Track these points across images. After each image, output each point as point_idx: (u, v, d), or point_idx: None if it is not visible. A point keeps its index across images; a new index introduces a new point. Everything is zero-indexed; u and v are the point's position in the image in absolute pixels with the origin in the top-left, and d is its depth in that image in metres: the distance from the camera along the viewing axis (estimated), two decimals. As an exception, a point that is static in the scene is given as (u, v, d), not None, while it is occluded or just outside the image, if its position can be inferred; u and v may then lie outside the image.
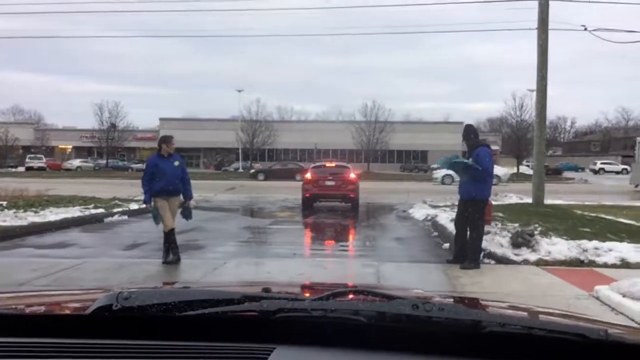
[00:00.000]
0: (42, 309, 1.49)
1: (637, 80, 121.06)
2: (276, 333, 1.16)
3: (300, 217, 16.26)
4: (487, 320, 1.14)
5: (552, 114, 52.48)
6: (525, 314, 1.57)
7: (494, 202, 20.05)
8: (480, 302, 1.80)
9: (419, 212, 15.28)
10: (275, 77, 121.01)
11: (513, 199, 20.83)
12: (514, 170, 54.99)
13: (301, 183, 18.79)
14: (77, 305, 1.48)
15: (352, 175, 18.34)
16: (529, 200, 19.10)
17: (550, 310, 1.68)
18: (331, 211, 17.64)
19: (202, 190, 27.55)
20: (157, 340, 1.15)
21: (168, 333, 1.17)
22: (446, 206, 16.15)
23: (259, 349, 1.12)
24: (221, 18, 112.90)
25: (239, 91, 62.85)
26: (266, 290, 1.43)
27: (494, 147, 61.76)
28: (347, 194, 18.00)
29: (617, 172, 63.48)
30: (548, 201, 17.83)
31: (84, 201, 15.99)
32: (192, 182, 8.72)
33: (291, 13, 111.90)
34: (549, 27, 18.44)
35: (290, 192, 22.74)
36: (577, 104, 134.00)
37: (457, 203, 16.48)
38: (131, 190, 24.96)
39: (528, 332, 1.11)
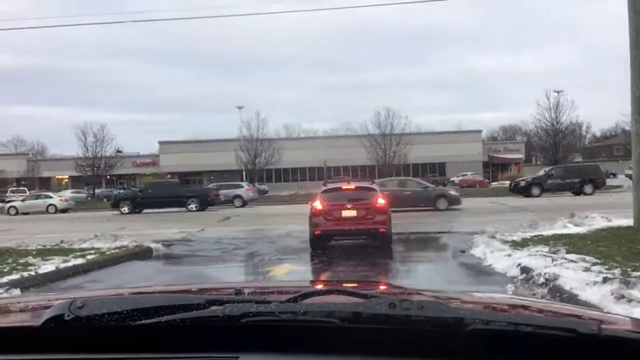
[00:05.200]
0: None
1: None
2: (241, 340, 1.09)
3: (307, 271, 10.62)
4: (470, 318, 1.05)
5: (565, 119, 46.66)
6: (514, 309, 1.42)
7: (575, 228, 15.01)
8: (466, 297, 1.59)
9: (499, 259, 9.55)
10: (279, 96, 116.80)
11: (598, 220, 15.39)
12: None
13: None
14: (28, 316, 1.42)
15: (381, 201, 12.62)
16: (620, 221, 14.05)
17: (543, 305, 1.65)
18: (353, 255, 12.04)
19: (190, 222, 22.44)
20: (112, 352, 1.09)
21: (123, 344, 1.11)
22: (535, 241, 10.57)
23: (221, 359, 1.06)
24: (223, 38, 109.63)
25: (240, 108, 57.78)
26: (237, 292, 1.35)
27: (517, 156, 56.27)
28: (375, 229, 12.32)
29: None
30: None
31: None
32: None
33: (295, 32, 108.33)
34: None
35: (299, 220, 16.63)
36: (590, 108, 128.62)
37: (550, 234, 10.94)
38: (105, 227, 19.90)
39: (515, 328, 1.03)
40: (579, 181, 32.33)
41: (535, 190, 32.32)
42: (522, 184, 34.31)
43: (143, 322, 1.09)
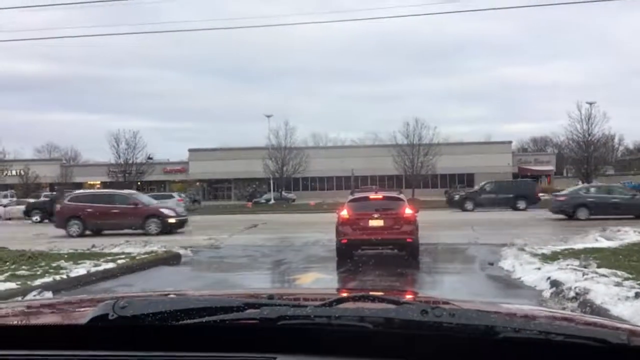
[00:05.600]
0: (37, 320, 1.44)
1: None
2: (277, 341, 1.12)
3: (333, 282, 10.64)
4: (501, 326, 1.06)
5: (597, 131, 45.86)
6: (543, 318, 1.42)
7: (606, 242, 14.72)
8: (495, 307, 1.61)
9: (528, 272, 9.43)
10: (307, 105, 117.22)
11: (630, 234, 15.11)
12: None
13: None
14: (73, 315, 1.45)
15: (408, 211, 12.57)
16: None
17: (570, 315, 1.72)
18: (380, 265, 12.01)
19: (218, 229, 22.60)
20: (154, 351, 1.13)
21: (165, 343, 1.14)
22: (565, 254, 10.45)
23: (259, 359, 1.09)
24: (252, 47, 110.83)
25: (268, 116, 58.17)
26: (270, 297, 1.38)
27: (548, 167, 55.28)
28: (402, 239, 12.26)
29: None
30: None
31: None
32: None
33: (324, 41, 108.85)
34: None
35: (324, 229, 16.69)
36: (623, 121, 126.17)
37: (581, 248, 10.83)
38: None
39: (545, 337, 1.04)
40: (512, 197, 32.76)
41: (469, 205, 32.79)
42: (457, 197, 34.97)
43: (185, 322, 1.12)
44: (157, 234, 19.92)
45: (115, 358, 1.12)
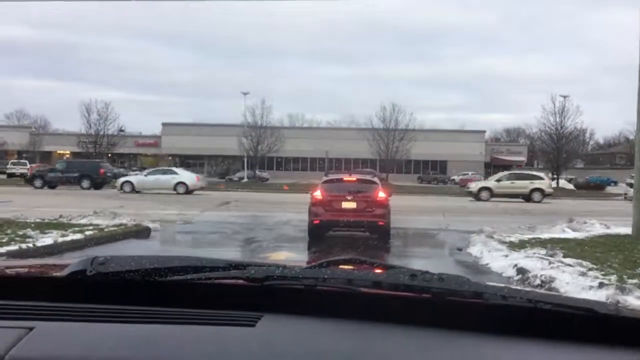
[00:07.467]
0: (17, 272, 1.40)
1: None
2: (264, 301, 1.11)
3: (304, 260, 10.67)
4: (490, 293, 1.06)
5: (569, 124, 46.91)
6: (530, 289, 1.52)
7: (572, 233, 15.04)
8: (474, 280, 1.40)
9: (496, 259, 9.56)
10: (286, 86, 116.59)
11: (596, 227, 15.41)
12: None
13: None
14: (51, 270, 1.43)
15: (382, 194, 12.61)
16: (619, 229, 14.14)
17: (549, 293, 1.81)
18: (350, 247, 12.05)
19: (190, 205, 22.54)
20: (135, 305, 1.09)
21: (147, 299, 1.11)
22: (532, 243, 10.63)
23: (246, 317, 1.06)
24: (233, 27, 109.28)
25: (245, 94, 57.56)
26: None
27: (519, 158, 56.65)
28: (374, 222, 12.30)
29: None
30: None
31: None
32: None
33: (306, 22, 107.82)
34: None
35: (297, 209, 16.78)
36: (595, 116, 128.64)
37: (548, 238, 10.95)
38: (104, 203, 19.91)
39: (534, 305, 1.04)
40: (78, 176, 34.96)
41: (37, 182, 34.70)
42: (27, 175, 37.81)
43: (169, 278, 1.11)
44: None
45: (95, 310, 1.09)
